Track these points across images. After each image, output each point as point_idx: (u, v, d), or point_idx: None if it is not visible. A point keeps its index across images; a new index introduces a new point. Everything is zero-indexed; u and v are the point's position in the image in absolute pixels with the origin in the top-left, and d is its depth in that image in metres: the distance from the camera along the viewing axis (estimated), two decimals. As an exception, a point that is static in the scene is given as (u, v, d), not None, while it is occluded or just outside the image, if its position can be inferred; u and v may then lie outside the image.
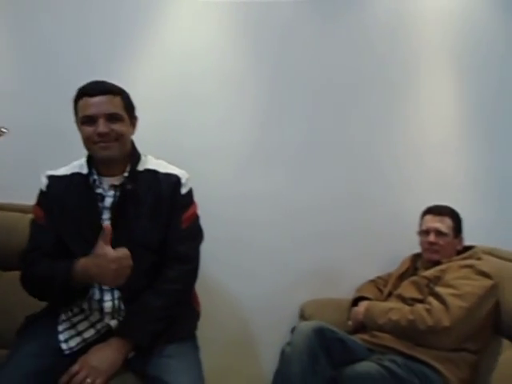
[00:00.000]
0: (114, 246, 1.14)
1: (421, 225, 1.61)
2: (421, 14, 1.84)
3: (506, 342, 1.32)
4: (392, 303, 1.46)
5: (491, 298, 1.34)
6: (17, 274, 1.18)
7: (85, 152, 1.22)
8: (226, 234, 1.76)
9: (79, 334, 1.14)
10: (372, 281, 1.73)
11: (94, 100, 1.12)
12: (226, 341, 1.78)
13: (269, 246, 1.79)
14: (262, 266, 1.79)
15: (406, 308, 1.37)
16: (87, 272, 1.05)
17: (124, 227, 1.15)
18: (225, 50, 1.79)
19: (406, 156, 1.84)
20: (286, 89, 1.81)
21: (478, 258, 1.46)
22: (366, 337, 1.41)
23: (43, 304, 1.22)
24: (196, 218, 1.27)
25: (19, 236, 1.31)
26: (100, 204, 1.17)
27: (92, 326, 1.17)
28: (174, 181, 1.22)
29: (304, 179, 1.82)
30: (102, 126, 1.12)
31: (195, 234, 1.26)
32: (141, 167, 1.22)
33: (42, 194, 1.21)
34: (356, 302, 1.59)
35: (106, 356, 1.06)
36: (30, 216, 1.24)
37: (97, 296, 1.15)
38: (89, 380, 1.01)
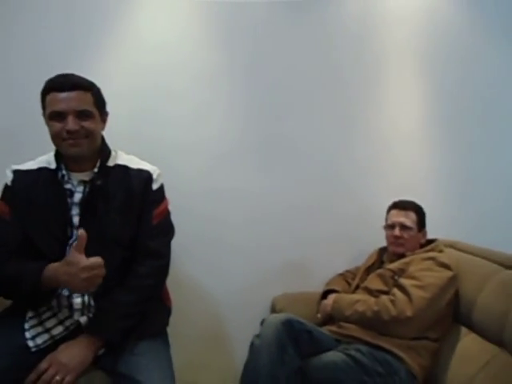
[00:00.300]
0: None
1: (387, 219, 1.66)
2: (386, 14, 1.88)
3: (464, 329, 1.38)
4: (359, 295, 1.51)
5: (451, 288, 1.39)
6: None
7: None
8: (199, 230, 1.77)
9: (47, 331, 1.13)
10: (341, 274, 1.78)
11: (63, 95, 1.09)
12: (198, 336, 1.79)
13: (240, 241, 1.81)
14: (233, 262, 1.81)
15: (372, 299, 1.41)
16: (56, 279, 1.04)
17: (94, 223, 1.14)
18: (198, 44, 1.79)
19: (373, 155, 1.89)
20: (259, 87, 1.83)
21: (440, 251, 1.52)
22: (333, 328, 1.45)
23: (8, 302, 1.19)
24: (167, 213, 1.27)
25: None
26: (69, 200, 1.16)
27: (60, 323, 1.16)
28: (145, 176, 1.21)
29: (276, 176, 1.84)
30: (71, 124, 1.09)
31: (166, 229, 1.26)
32: (111, 163, 1.21)
33: (6, 188, 1.18)
34: (325, 295, 1.63)
35: (75, 353, 1.05)
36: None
37: (66, 292, 1.14)
38: (58, 377, 1.00)
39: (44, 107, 1.14)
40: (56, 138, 1.13)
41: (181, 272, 1.72)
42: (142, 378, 1.03)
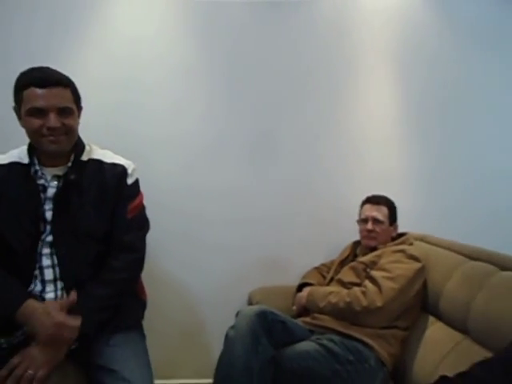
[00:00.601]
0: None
1: (360, 214, 1.71)
2: (362, 15, 1.93)
3: (431, 318, 1.44)
4: (332, 287, 1.55)
5: (419, 279, 1.45)
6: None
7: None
8: (174, 225, 1.78)
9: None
10: (316, 268, 1.81)
11: (43, 92, 1.07)
12: (174, 331, 1.80)
13: (217, 236, 1.83)
14: (210, 257, 1.82)
15: (344, 291, 1.45)
16: (28, 319, 1.04)
17: (67, 217, 1.13)
18: (174, 40, 1.80)
19: (348, 151, 1.93)
20: (237, 83, 1.85)
21: (410, 244, 1.58)
22: (307, 319, 1.49)
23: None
24: (142, 208, 1.27)
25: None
26: (42, 195, 1.14)
27: (33, 318, 1.14)
28: (119, 171, 1.21)
29: (252, 172, 1.87)
30: (53, 121, 1.08)
31: (141, 223, 1.26)
32: (85, 157, 1.20)
33: None
34: (300, 288, 1.67)
35: (48, 347, 1.04)
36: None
37: (38, 287, 1.13)
38: (30, 372, 0.99)
39: (19, 102, 1.10)
40: (35, 134, 1.10)
41: (157, 267, 1.73)
42: (118, 367, 1.04)
